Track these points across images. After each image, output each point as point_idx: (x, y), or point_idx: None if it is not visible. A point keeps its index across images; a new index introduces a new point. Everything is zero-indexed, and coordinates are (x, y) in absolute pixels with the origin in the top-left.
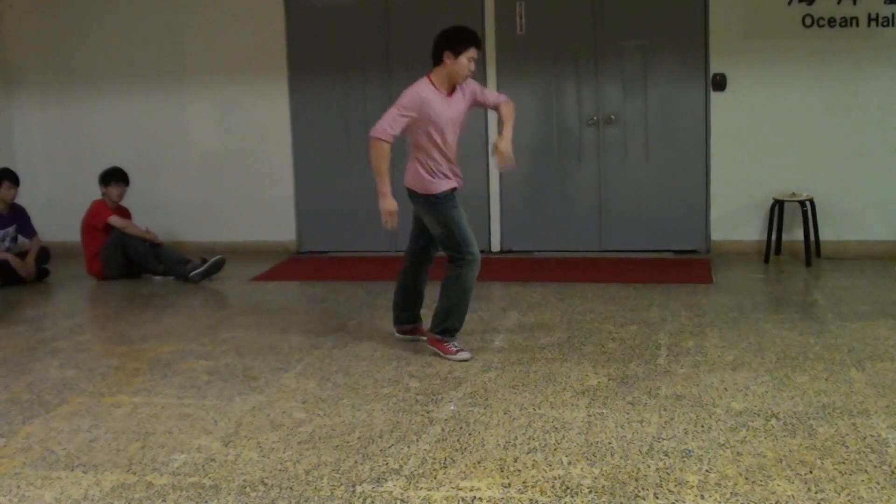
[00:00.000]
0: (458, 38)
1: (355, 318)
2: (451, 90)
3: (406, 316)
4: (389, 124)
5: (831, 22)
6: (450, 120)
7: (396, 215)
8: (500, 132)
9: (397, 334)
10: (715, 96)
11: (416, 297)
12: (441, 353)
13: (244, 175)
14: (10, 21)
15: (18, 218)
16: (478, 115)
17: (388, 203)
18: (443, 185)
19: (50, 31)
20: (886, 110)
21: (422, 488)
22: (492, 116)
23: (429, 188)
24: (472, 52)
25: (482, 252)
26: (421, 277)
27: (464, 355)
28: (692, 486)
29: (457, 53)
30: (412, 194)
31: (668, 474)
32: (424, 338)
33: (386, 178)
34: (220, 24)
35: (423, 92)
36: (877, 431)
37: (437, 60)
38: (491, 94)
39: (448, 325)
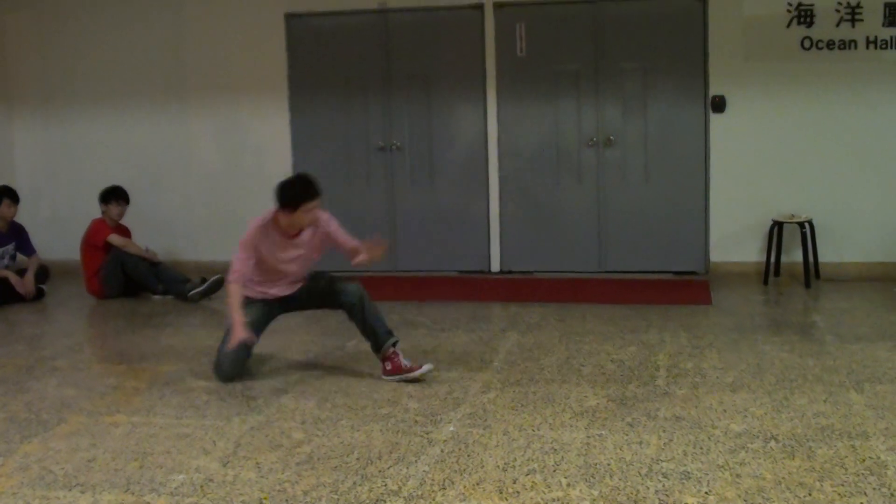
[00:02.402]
0: (289, 198)
1: (354, 338)
2: (298, 231)
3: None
4: (239, 269)
5: (830, 45)
6: (286, 258)
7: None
8: (357, 253)
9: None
10: (714, 118)
11: (373, 334)
12: None
13: (244, 194)
14: (11, 39)
15: (18, 236)
16: (478, 137)
17: (239, 334)
18: (252, 294)
19: (51, 49)
20: (885, 132)
21: None
22: (492, 136)
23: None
24: (307, 206)
25: (481, 272)
26: (363, 320)
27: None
28: None
29: (293, 209)
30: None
31: (668, 496)
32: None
33: (238, 312)
34: (221, 43)
35: (263, 225)
36: (876, 454)
37: (278, 210)
38: (346, 240)
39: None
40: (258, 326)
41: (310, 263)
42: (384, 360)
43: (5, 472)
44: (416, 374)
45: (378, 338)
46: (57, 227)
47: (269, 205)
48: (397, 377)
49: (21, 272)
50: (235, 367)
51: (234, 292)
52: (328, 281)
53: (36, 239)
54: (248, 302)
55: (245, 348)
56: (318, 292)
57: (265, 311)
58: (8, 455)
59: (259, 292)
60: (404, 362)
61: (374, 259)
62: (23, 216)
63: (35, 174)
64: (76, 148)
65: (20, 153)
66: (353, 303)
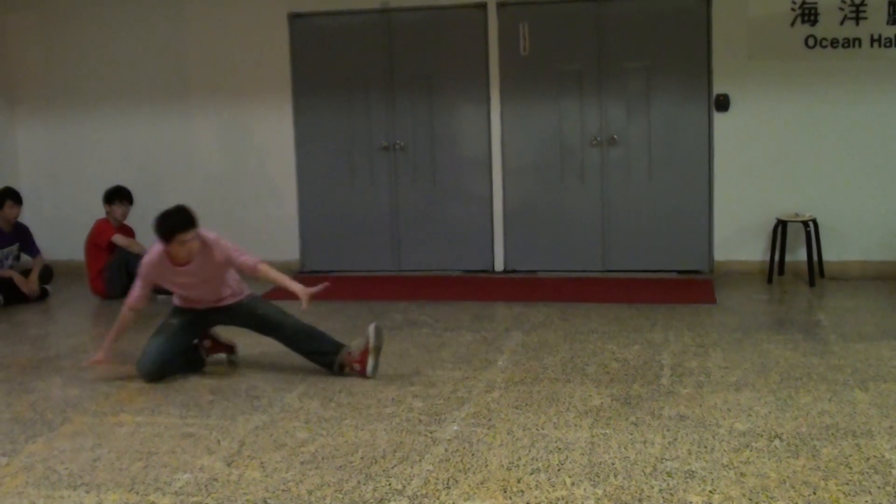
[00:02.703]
0: (164, 229)
1: (358, 338)
2: (188, 259)
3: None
4: (134, 296)
5: (834, 43)
6: (186, 283)
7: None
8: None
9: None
10: (718, 117)
11: (320, 355)
12: None
13: (248, 194)
14: (14, 39)
15: (22, 236)
16: (481, 137)
17: (100, 357)
18: (179, 303)
19: (54, 50)
20: (890, 131)
21: None
22: (495, 135)
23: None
24: (179, 239)
25: (485, 272)
26: (304, 351)
27: None
28: None
29: (166, 241)
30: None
31: (672, 495)
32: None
33: (113, 337)
34: (224, 43)
35: (153, 262)
36: (880, 452)
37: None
38: (244, 259)
39: None
40: (179, 332)
41: (221, 284)
42: (347, 365)
43: (10, 471)
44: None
45: (327, 356)
46: (60, 227)
47: (273, 208)
48: (371, 362)
49: (25, 273)
50: (155, 366)
51: (122, 318)
52: (264, 314)
53: (40, 239)
54: (175, 309)
55: (170, 350)
56: (255, 321)
57: (189, 320)
58: (13, 455)
59: (184, 302)
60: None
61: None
62: (26, 216)
63: (38, 175)
64: (79, 148)
65: (23, 154)
66: (289, 337)
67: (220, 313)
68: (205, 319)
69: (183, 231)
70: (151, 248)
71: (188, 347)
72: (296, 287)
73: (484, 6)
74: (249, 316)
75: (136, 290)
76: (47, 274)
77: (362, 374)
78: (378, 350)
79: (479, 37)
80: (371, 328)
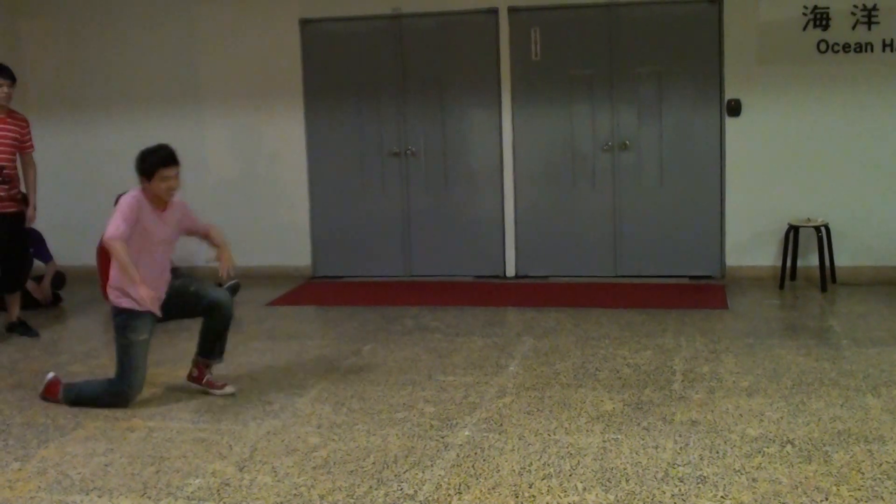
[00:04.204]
0: (146, 162)
1: (370, 343)
2: (164, 206)
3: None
4: (119, 225)
5: (846, 47)
6: (159, 238)
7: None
8: (216, 254)
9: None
10: (730, 122)
11: (217, 342)
12: None
13: (259, 200)
14: (26, 45)
15: (34, 242)
16: (492, 142)
17: (145, 290)
18: (126, 303)
19: (67, 56)
20: None
21: None
22: (506, 140)
23: (117, 300)
24: (163, 173)
25: (496, 277)
26: (221, 327)
27: None
28: None
29: (148, 177)
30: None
31: (684, 501)
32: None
33: (133, 268)
34: (235, 49)
35: (138, 196)
36: (893, 458)
37: (140, 181)
38: (198, 223)
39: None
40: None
41: (170, 253)
42: (199, 366)
43: (23, 476)
44: (218, 392)
45: (215, 350)
46: (73, 233)
47: (284, 214)
48: (197, 386)
49: (38, 279)
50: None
51: (122, 248)
52: (198, 285)
53: (52, 245)
54: (132, 317)
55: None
56: (189, 294)
57: (150, 327)
58: (25, 460)
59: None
60: (208, 376)
61: (227, 260)
62: (39, 222)
63: (50, 181)
64: (92, 154)
65: (36, 159)
66: (221, 302)
67: (163, 306)
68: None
69: (166, 165)
70: (127, 195)
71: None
72: (225, 252)
73: (495, 11)
74: (196, 292)
75: (121, 219)
76: (60, 280)
77: (190, 376)
78: (210, 391)
79: (490, 42)
80: (227, 389)
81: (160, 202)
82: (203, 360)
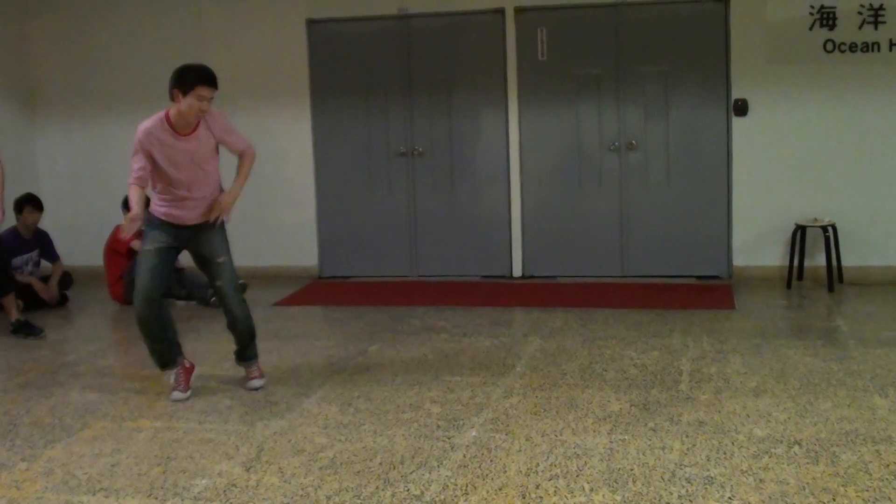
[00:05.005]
0: (187, 76)
1: (377, 343)
2: (190, 129)
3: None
4: (135, 170)
5: (853, 47)
6: (177, 160)
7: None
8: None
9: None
10: (737, 121)
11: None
12: None
13: (266, 200)
14: (34, 45)
15: (42, 242)
16: (499, 142)
17: (133, 213)
18: (157, 213)
19: (74, 56)
20: None
21: None
22: (513, 140)
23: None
24: (200, 91)
25: (503, 277)
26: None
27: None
28: None
29: (184, 93)
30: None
31: (691, 501)
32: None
33: (137, 206)
34: (242, 49)
35: (150, 127)
36: None
37: (171, 97)
38: (237, 139)
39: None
40: (163, 257)
41: (204, 177)
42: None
43: (29, 476)
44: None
45: (243, 355)
46: (80, 233)
47: (291, 214)
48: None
49: (45, 279)
50: (142, 306)
51: (135, 192)
52: (228, 285)
53: (59, 245)
54: (153, 224)
55: (156, 288)
56: (208, 249)
57: (169, 238)
58: (32, 460)
59: (163, 213)
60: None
61: (221, 214)
62: (46, 222)
63: (58, 181)
64: (98, 154)
65: (43, 160)
66: (236, 316)
67: (193, 235)
68: (182, 241)
69: (207, 84)
70: (142, 123)
71: (169, 280)
72: (226, 198)
73: (502, 11)
74: (210, 256)
75: (135, 163)
76: (67, 280)
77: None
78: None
79: (497, 42)
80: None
81: (185, 125)
82: (237, 363)
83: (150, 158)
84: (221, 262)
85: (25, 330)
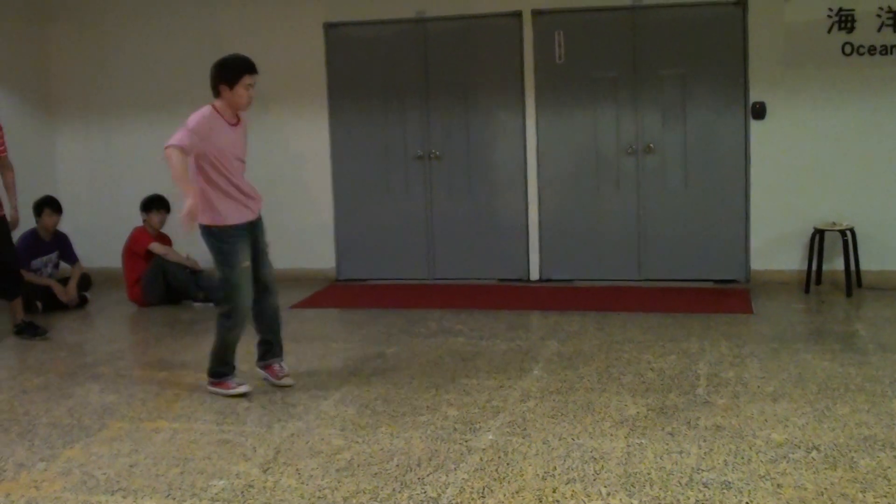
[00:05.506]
0: (230, 69)
1: (394, 346)
2: (236, 120)
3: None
4: (181, 137)
5: (871, 50)
6: (235, 148)
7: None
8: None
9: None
10: (754, 125)
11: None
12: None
13: (283, 203)
14: (53, 49)
15: (61, 244)
16: (516, 145)
17: (191, 201)
18: (230, 217)
19: (92, 60)
20: None
21: None
22: (530, 144)
23: (214, 218)
24: (247, 80)
25: (520, 281)
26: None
27: (241, 389)
28: None
29: (231, 84)
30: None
31: None
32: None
33: (186, 180)
34: (259, 53)
35: (206, 114)
36: None
37: (216, 93)
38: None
39: (210, 369)
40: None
41: (243, 171)
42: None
43: (48, 476)
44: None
45: (268, 353)
46: (99, 235)
47: (309, 217)
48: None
49: (64, 281)
50: (247, 294)
51: (179, 158)
52: (268, 276)
53: (78, 247)
54: (232, 237)
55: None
56: (262, 240)
57: (250, 245)
58: (51, 460)
59: (236, 217)
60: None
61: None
62: (65, 225)
63: (76, 183)
64: (117, 157)
65: (62, 163)
66: (270, 296)
67: (256, 229)
68: (251, 241)
69: (251, 72)
70: (196, 113)
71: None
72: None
73: (519, 14)
74: (263, 233)
75: (185, 136)
76: (86, 282)
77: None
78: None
79: (514, 45)
80: (244, 387)
81: (232, 116)
82: (269, 360)
83: (203, 155)
84: (268, 251)
85: (29, 331)
